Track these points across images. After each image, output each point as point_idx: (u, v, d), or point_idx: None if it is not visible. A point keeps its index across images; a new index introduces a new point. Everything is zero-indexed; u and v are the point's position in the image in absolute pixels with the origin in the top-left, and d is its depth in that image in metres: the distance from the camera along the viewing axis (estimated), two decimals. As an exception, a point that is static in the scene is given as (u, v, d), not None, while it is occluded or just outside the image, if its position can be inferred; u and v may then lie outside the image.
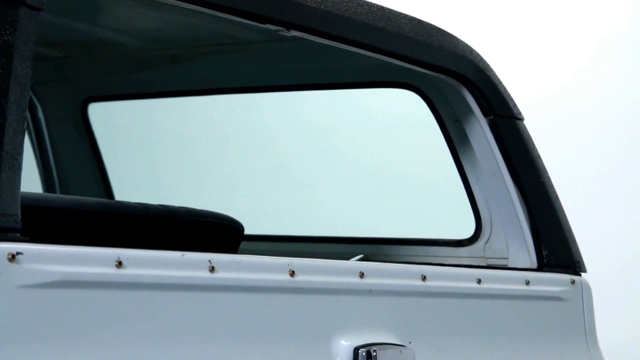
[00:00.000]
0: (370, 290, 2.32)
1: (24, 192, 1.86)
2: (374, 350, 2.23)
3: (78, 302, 1.82)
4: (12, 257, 1.75)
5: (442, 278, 2.50)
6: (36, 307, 1.77)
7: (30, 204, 2.00)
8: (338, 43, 2.53)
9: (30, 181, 3.95)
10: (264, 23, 2.33)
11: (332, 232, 4.45)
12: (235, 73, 3.51)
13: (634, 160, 5.41)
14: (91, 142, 3.94)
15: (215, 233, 2.40)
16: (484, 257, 3.03)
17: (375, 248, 3.41)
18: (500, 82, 2.91)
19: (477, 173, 2.98)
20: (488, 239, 3.01)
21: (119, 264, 1.89)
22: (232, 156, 5.50)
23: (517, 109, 2.91)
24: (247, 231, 2.50)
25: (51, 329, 1.79)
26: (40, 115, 3.90)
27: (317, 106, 5.28)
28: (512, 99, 2.91)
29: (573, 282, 2.82)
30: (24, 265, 1.76)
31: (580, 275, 2.87)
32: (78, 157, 3.91)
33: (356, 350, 2.23)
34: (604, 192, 5.45)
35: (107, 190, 3.94)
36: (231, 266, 2.07)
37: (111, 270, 1.88)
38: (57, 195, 2.53)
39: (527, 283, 2.70)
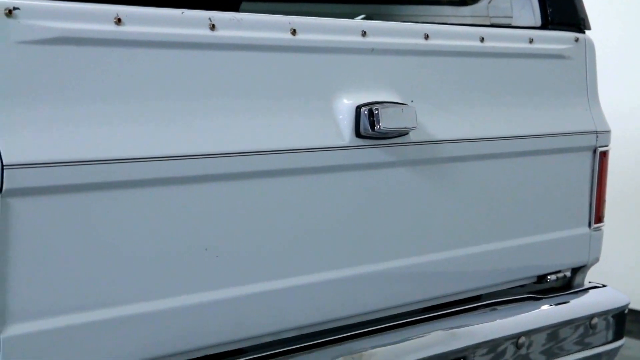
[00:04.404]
0: (373, 49, 2.30)
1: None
2: (376, 109, 2.24)
3: (77, 58, 1.81)
4: (9, 12, 1.73)
5: (445, 36, 2.48)
6: (35, 64, 1.76)
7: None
8: None
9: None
10: None
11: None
12: None
13: None
14: None
15: (215, -8, 2.35)
16: (488, 16, 2.99)
17: (378, 8, 3.36)
18: None
19: None
20: (492, -3, 2.97)
21: (118, 21, 1.87)
22: None
23: None
24: (247, -10, 2.46)
25: (50, 85, 1.79)
26: None
27: None
28: None
29: (577, 39, 2.80)
30: (21, 21, 1.74)
31: (584, 32, 2.84)
32: None
33: (358, 108, 2.24)
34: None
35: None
36: (232, 24, 2.05)
37: (110, 27, 1.86)
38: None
39: (531, 41, 2.68)
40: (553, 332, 2.73)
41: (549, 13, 2.80)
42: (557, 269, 2.83)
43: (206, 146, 1.97)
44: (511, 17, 2.90)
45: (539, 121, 2.69)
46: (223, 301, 2.05)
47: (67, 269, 1.82)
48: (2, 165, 1.70)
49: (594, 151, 2.85)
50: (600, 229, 2.91)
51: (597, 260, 2.93)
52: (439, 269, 2.48)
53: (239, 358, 2.12)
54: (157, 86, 1.93)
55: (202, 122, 1.99)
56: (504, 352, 2.59)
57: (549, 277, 2.81)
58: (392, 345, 2.38)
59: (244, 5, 2.47)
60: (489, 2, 2.97)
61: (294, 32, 2.15)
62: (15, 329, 1.76)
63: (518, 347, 2.62)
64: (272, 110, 2.10)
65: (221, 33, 2.02)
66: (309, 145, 2.15)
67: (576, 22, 2.83)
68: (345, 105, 2.23)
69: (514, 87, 2.64)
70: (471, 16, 3.02)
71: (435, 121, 2.42)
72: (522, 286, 2.80)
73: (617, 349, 2.93)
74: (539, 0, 2.81)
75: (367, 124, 2.23)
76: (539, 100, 2.71)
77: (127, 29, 1.88)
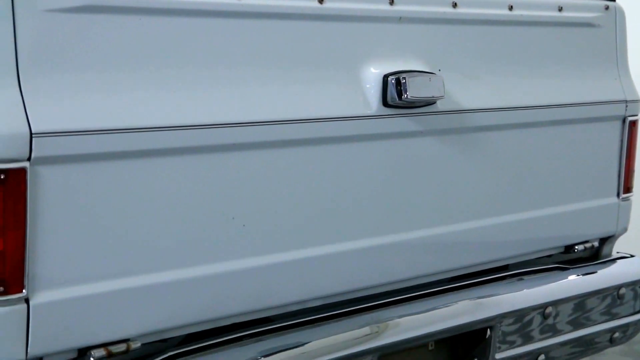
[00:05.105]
0: (400, 18, 2.29)
1: None
2: (404, 78, 2.23)
3: (104, 26, 1.81)
4: None
5: (474, 5, 2.46)
6: (62, 32, 1.76)
7: None
8: None
9: None
10: None
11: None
12: None
13: None
14: None
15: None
16: (517, -16, 2.97)
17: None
18: None
19: None
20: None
21: (144, -11, 1.87)
22: None
23: None
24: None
25: (77, 53, 1.79)
26: None
27: None
28: None
29: (607, 7, 2.77)
30: (49, -12, 1.75)
31: (614, 0, 2.81)
32: None
33: (385, 77, 2.23)
34: None
35: None
36: (259, -7, 2.05)
37: (137, -5, 1.86)
38: None
39: (560, 9, 2.66)
40: (580, 302, 2.72)
41: (578, -20, 2.78)
42: (585, 239, 2.82)
43: (232, 115, 1.97)
44: (540, -16, 2.88)
45: (567, 90, 2.67)
46: (249, 270, 2.05)
47: (95, 237, 1.83)
48: (31, 134, 1.71)
49: (623, 121, 2.82)
50: (628, 199, 2.90)
51: (625, 230, 2.91)
52: (467, 238, 2.48)
53: (266, 326, 2.13)
54: (184, 55, 1.93)
55: (228, 91, 1.98)
56: (530, 321, 2.59)
57: (576, 247, 2.80)
58: (419, 315, 2.38)
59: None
60: (518, -30, 2.94)
61: (321, 0, 2.14)
62: (44, 296, 1.78)
63: (545, 317, 2.61)
64: (299, 80, 2.10)
65: (249, 1, 2.02)
66: (336, 115, 2.15)
67: (606, -14, 2.80)
68: (373, 74, 2.23)
69: (542, 56, 2.62)
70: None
71: (463, 90, 2.41)
72: (549, 256, 2.80)
73: (644, 320, 2.92)
74: (569, -33, 2.79)
75: (395, 93, 2.22)
76: (567, 69, 2.69)
77: (153, -4, 1.88)
